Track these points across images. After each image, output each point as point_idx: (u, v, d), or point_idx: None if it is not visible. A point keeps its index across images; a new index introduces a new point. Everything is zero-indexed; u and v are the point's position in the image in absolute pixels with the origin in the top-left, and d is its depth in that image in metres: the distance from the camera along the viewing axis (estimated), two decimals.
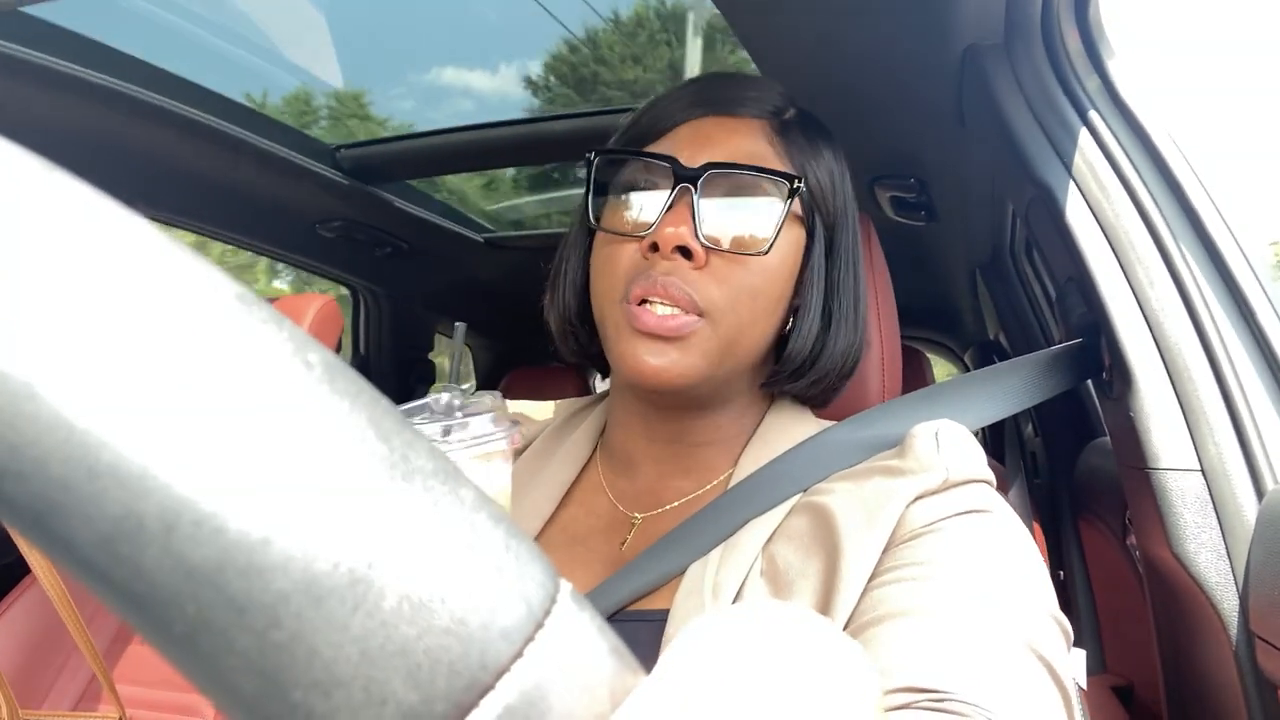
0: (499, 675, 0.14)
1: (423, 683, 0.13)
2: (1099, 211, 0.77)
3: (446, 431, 0.41)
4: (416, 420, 0.40)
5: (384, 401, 0.16)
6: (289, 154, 1.46)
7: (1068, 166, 0.79)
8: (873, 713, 0.13)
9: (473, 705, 0.14)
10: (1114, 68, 0.82)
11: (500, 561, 0.15)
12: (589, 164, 0.65)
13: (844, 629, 0.48)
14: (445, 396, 0.44)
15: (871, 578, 0.51)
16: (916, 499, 0.54)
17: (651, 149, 0.64)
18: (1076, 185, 0.79)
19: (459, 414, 0.43)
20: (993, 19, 0.85)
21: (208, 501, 0.13)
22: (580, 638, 0.15)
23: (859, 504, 0.55)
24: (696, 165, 0.60)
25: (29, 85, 1.08)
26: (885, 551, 0.52)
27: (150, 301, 0.14)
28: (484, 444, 0.41)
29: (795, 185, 0.61)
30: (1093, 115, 0.80)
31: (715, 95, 0.65)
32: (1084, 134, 0.80)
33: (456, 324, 0.52)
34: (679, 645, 0.14)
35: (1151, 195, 0.76)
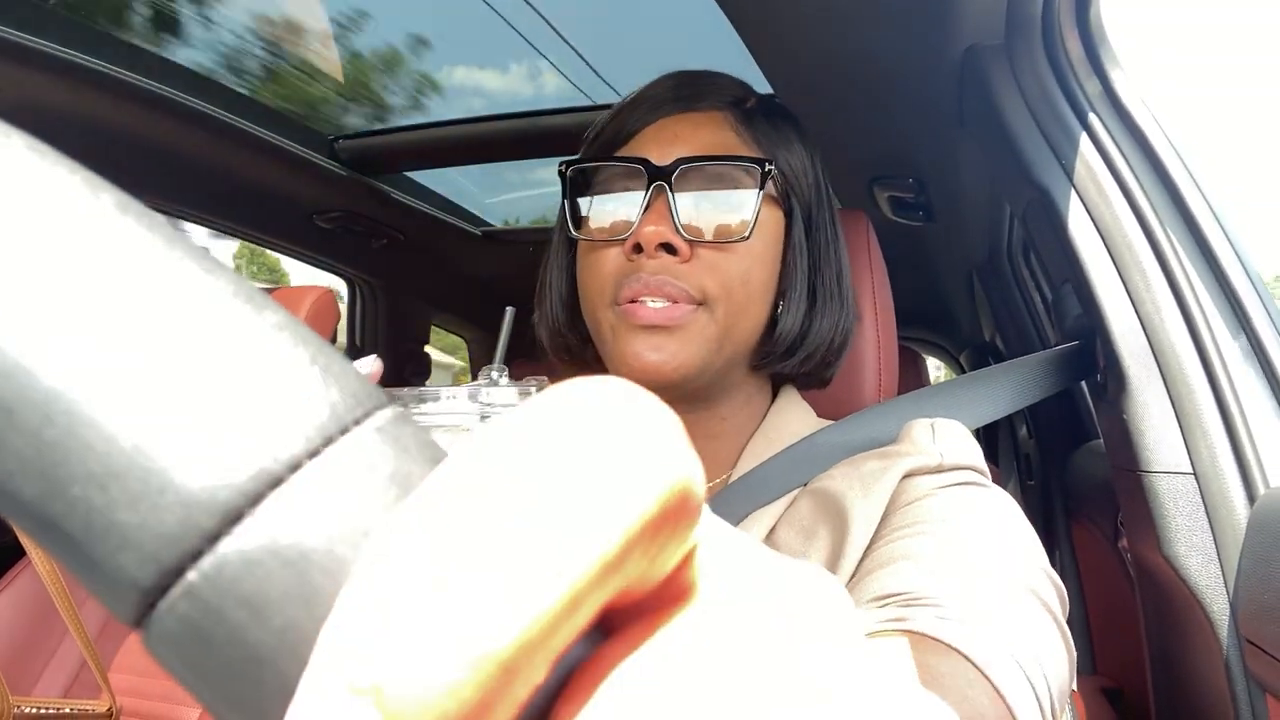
0: (292, 468, 0.14)
1: (203, 472, 0.13)
2: (1096, 214, 0.78)
3: (473, 396, 0.40)
4: (450, 398, 0.40)
5: (184, 235, 0.15)
6: (287, 144, 1.45)
7: (1066, 169, 0.80)
8: (672, 464, 0.12)
9: (263, 494, 0.13)
10: (1114, 71, 0.83)
11: (302, 372, 0.15)
12: (562, 176, 0.66)
13: (846, 586, 0.50)
14: (493, 375, 0.44)
15: (871, 542, 0.52)
16: (911, 473, 0.56)
17: (622, 153, 0.65)
18: (1074, 188, 0.79)
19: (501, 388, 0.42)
20: (993, 20, 0.85)
21: None
22: (396, 443, 0.15)
23: (857, 479, 0.57)
24: (668, 162, 0.61)
25: (28, 71, 1.07)
26: (882, 520, 0.53)
27: None
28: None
29: (767, 169, 0.62)
30: (1092, 118, 0.80)
31: (677, 93, 0.66)
32: (1083, 137, 0.80)
33: (507, 308, 0.52)
34: (483, 427, 0.14)
35: (1149, 199, 0.77)
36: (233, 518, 0.13)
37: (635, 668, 0.12)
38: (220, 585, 0.13)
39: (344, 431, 0.15)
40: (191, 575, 0.13)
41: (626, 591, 0.12)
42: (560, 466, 0.12)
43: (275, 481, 0.14)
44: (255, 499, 0.13)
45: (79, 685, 1.23)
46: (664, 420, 0.13)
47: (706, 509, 0.14)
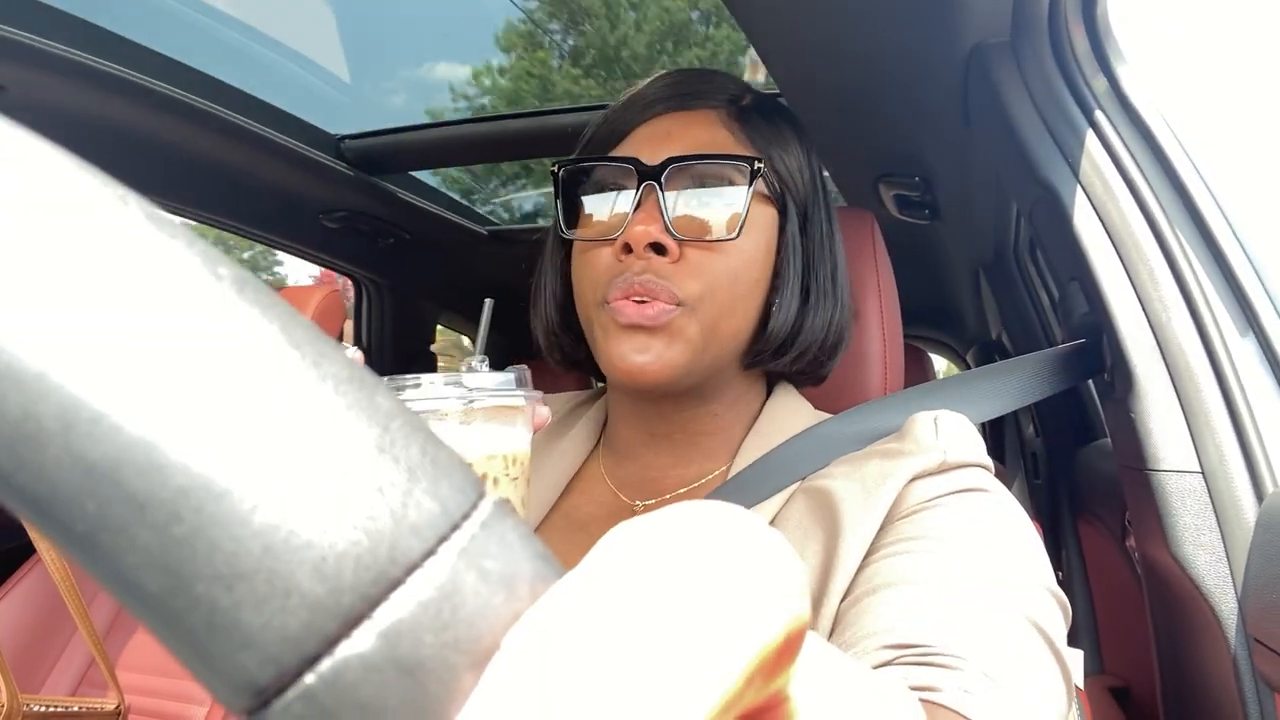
0: (409, 570, 0.14)
1: (328, 575, 0.13)
2: (1103, 212, 0.77)
3: (453, 382, 0.40)
4: (440, 384, 0.39)
5: (300, 316, 0.16)
6: (293, 144, 1.46)
7: (1073, 167, 0.79)
8: (791, 602, 0.14)
9: (381, 598, 0.14)
10: (1121, 67, 0.82)
11: (414, 464, 0.15)
12: (554, 176, 0.67)
13: (841, 601, 0.49)
14: (475, 365, 0.44)
15: (868, 553, 0.51)
16: (914, 478, 0.55)
17: (614, 153, 0.66)
18: (1081, 186, 0.79)
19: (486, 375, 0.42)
20: (999, 18, 0.85)
21: (103, 400, 0.13)
22: (500, 539, 0.15)
23: (858, 483, 0.56)
24: (658, 161, 0.61)
25: (38, 71, 1.08)
26: (882, 527, 0.53)
27: (51, 213, 0.14)
28: (501, 398, 0.41)
29: (756, 167, 0.62)
30: (1099, 115, 0.80)
31: (670, 92, 0.66)
32: (1090, 134, 0.80)
33: (486, 300, 0.52)
34: (603, 542, 0.14)
35: (1156, 196, 0.76)
36: (353, 622, 0.13)
37: None
38: (337, 690, 0.13)
39: (455, 528, 0.15)
40: (309, 679, 0.13)
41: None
42: (688, 605, 0.13)
43: (394, 585, 0.14)
44: (375, 603, 0.14)
45: (87, 683, 1.23)
46: (781, 556, 0.14)
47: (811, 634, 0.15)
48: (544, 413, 0.47)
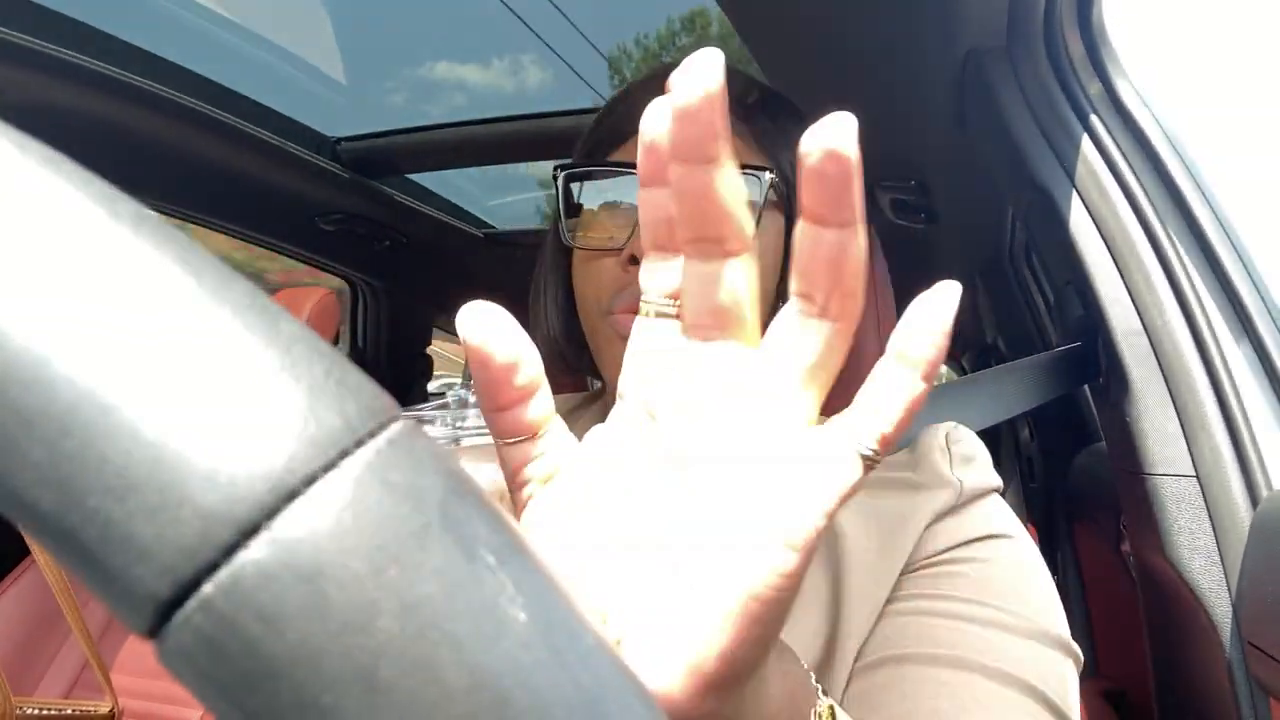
0: (308, 482, 0.14)
1: (221, 485, 0.13)
2: (1098, 216, 0.77)
3: (457, 428, 0.40)
4: (433, 415, 0.39)
5: (204, 252, 0.16)
6: (290, 146, 1.45)
7: (1068, 171, 0.79)
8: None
9: (279, 508, 0.14)
10: (1116, 72, 0.82)
11: (316, 384, 0.15)
12: (555, 180, 0.63)
13: (857, 654, 0.49)
14: (461, 393, 0.44)
15: (889, 601, 0.50)
16: (934, 521, 0.53)
17: (617, 156, 0.63)
18: (1076, 190, 0.79)
19: (473, 408, 0.42)
20: (995, 23, 0.85)
21: None
22: (410, 454, 0.15)
23: (873, 523, 0.54)
24: None
25: (29, 72, 1.08)
26: (903, 575, 0.51)
27: None
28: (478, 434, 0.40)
29: (768, 178, 0.59)
30: (1094, 120, 0.80)
31: None
32: (1085, 139, 0.80)
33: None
34: None
35: (1151, 201, 0.76)
36: (249, 531, 0.13)
37: None
38: (235, 598, 0.13)
39: (359, 444, 0.15)
40: (207, 588, 0.13)
41: None
42: None
43: (291, 495, 0.14)
44: (271, 512, 0.14)
45: (81, 686, 1.23)
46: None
47: None
48: None
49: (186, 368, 0.14)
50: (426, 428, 0.38)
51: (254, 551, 0.13)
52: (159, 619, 0.13)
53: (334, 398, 0.15)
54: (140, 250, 0.15)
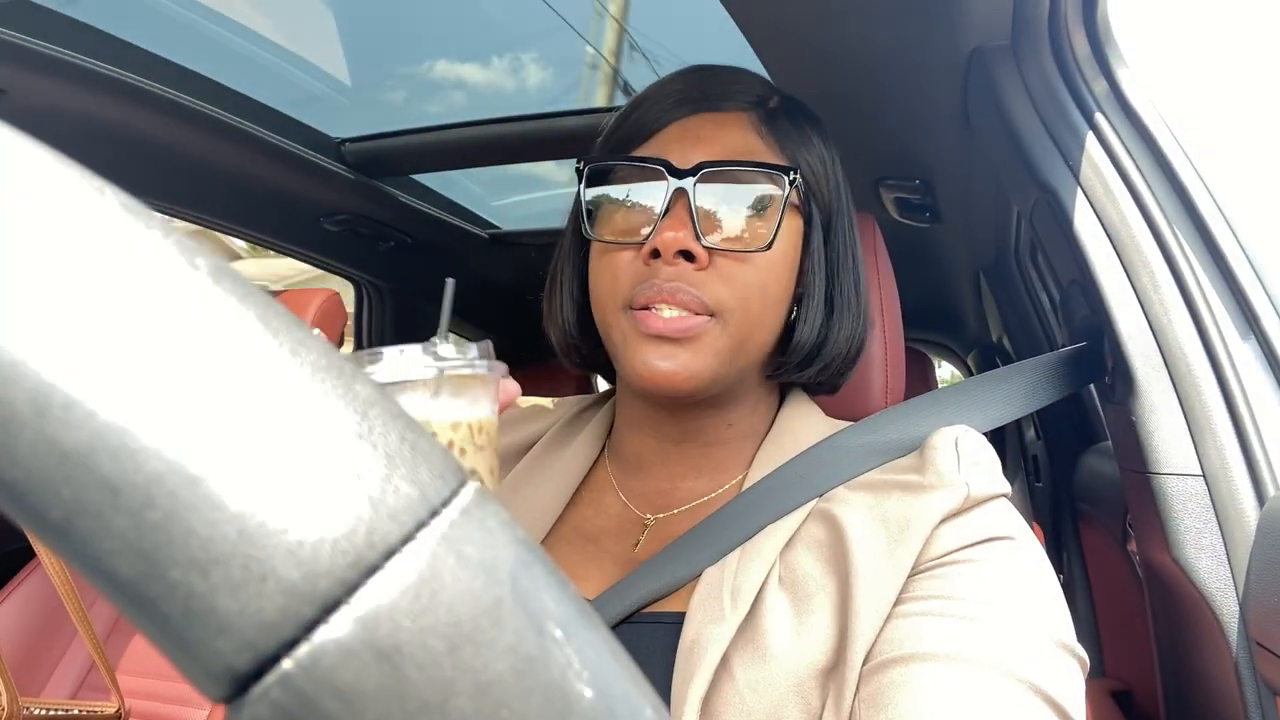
0: (387, 555, 0.14)
1: (305, 560, 0.13)
2: (1104, 215, 0.77)
3: (426, 351, 0.40)
4: (400, 356, 0.40)
5: (278, 305, 0.16)
6: (295, 147, 1.46)
7: (1073, 169, 0.79)
8: None
9: (359, 584, 0.14)
10: (1121, 71, 0.82)
11: (392, 451, 0.15)
12: (578, 172, 0.64)
13: (865, 655, 0.49)
14: (436, 344, 0.44)
15: (897, 603, 0.50)
16: (941, 522, 0.53)
17: (640, 151, 0.63)
18: (1082, 188, 0.79)
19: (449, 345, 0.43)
20: (1000, 21, 0.85)
21: (77, 386, 0.13)
22: (481, 525, 0.15)
23: (880, 524, 0.54)
24: (689, 165, 0.59)
25: (39, 75, 1.08)
26: (911, 577, 0.51)
27: (27, 205, 0.14)
28: (466, 369, 0.41)
29: (792, 178, 0.60)
30: (1099, 118, 0.80)
31: (699, 91, 0.64)
32: (1090, 137, 0.80)
33: (447, 280, 0.51)
34: None
35: (1156, 199, 0.76)
36: (330, 607, 0.13)
37: None
38: (315, 675, 0.13)
39: (434, 514, 0.15)
40: (287, 664, 0.13)
41: None
42: None
43: (371, 570, 0.14)
44: (352, 588, 0.14)
45: (88, 686, 1.23)
46: None
47: None
48: (512, 387, 0.47)
49: (268, 436, 0.14)
50: (405, 353, 0.39)
51: (334, 629, 0.13)
52: (236, 690, 0.13)
53: (409, 465, 0.15)
54: (222, 309, 0.15)
